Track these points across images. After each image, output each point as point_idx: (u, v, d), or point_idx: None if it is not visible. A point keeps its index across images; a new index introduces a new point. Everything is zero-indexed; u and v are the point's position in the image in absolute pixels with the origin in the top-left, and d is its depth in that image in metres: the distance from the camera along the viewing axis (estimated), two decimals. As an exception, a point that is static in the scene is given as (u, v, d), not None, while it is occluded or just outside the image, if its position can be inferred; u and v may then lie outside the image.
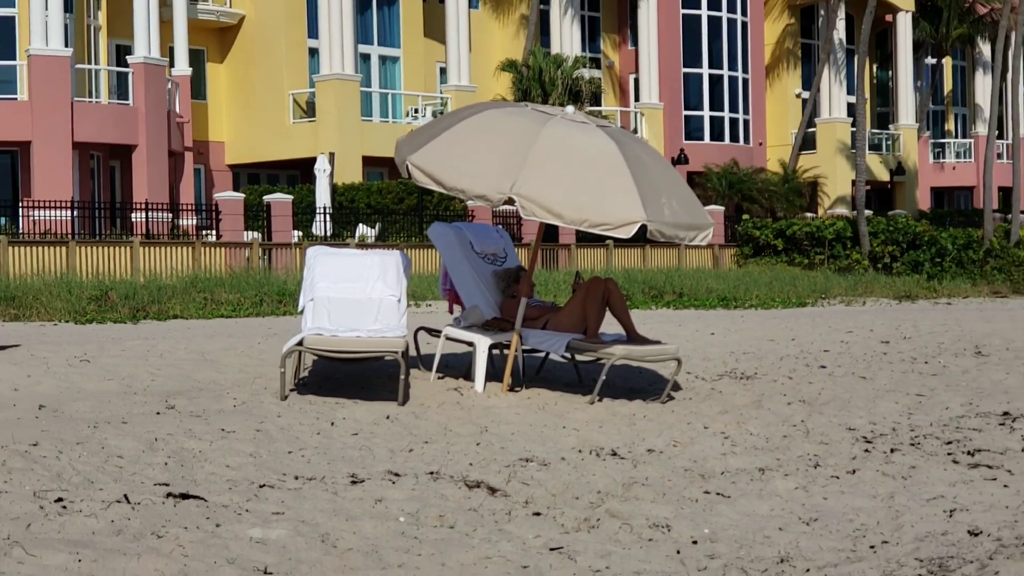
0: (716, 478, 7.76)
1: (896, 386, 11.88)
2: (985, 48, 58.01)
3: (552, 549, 6.02)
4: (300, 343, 9.80)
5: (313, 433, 8.60)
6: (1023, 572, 5.51)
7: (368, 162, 39.61)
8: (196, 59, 39.98)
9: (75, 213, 30.39)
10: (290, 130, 40.34)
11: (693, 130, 47.84)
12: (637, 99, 47.77)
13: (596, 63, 47.55)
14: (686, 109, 47.72)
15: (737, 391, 11.28)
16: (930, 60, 57.78)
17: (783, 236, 38.70)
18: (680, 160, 43.97)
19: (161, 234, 31.44)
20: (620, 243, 34.48)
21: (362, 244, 30.46)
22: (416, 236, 33.21)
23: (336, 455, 7.98)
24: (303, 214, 33.58)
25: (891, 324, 18.71)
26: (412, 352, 11.14)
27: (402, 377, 9.80)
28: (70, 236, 28.62)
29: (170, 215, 33.16)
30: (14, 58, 33.96)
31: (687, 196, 10.48)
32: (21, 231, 29.68)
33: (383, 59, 42.69)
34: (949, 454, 8.53)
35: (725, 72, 48.48)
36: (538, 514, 6.69)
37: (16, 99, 33.59)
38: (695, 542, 6.27)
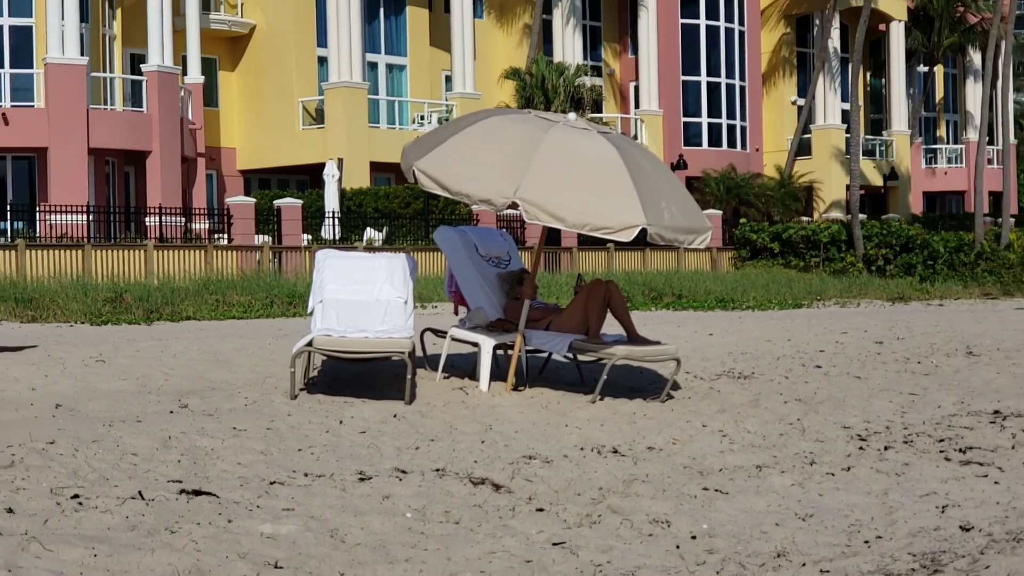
0: (714, 475, 7.75)
1: (890, 385, 11.87)
2: (976, 56, 57.95)
3: (555, 544, 6.02)
4: (310, 344, 9.80)
5: (322, 431, 8.60)
6: (1013, 566, 5.51)
7: (375, 167, 39.61)
8: (208, 67, 40.00)
9: (91, 217, 30.41)
10: (300, 136, 40.35)
11: (692, 136, 47.82)
12: (637, 106, 47.75)
13: (597, 71, 47.53)
14: (685, 116, 47.70)
15: (735, 390, 11.27)
16: (922, 68, 57.74)
17: (779, 239, 38.68)
18: (679, 165, 43.94)
19: (174, 238, 31.44)
20: (621, 246, 34.46)
21: (370, 247, 30.45)
22: (422, 240, 33.20)
23: (344, 453, 7.98)
24: (312, 218, 33.58)
25: (885, 325, 18.69)
26: (418, 352, 11.13)
27: (409, 377, 9.80)
28: (86, 240, 28.62)
29: (183, 219, 33.16)
30: (31, 66, 33.99)
31: (686, 200, 10.48)
32: (38, 235, 29.68)
33: (390, 67, 42.71)
34: (941, 451, 8.53)
35: (723, 80, 48.45)
36: (541, 510, 6.69)
37: (33, 106, 33.62)
38: (694, 537, 6.26)
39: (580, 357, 11.33)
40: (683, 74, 47.61)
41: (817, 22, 52.03)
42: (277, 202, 32.98)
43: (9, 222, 30.65)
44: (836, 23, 50.92)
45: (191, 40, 37.64)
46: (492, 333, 10.70)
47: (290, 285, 23.20)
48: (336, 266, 10.71)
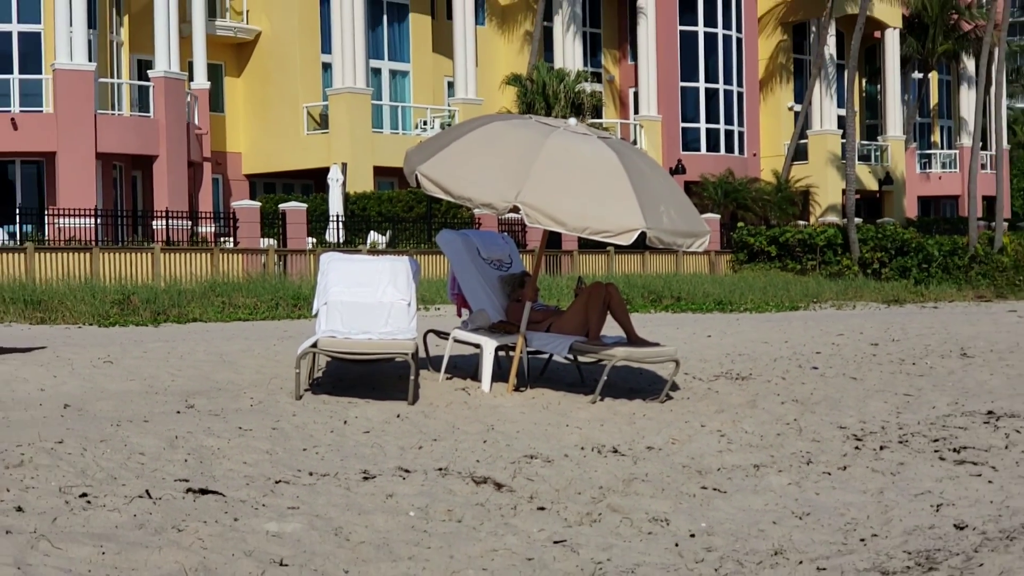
0: (713, 474, 7.75)
1: (885, 386, 11.87)
2: (969, 63, 57.97)
3: (556, 542, 6.02)
4: (314, 345, 9.80)
5: (327, 431, 8.60)
6: (1007, 564, 5.51)
7: (379, 172, 39.61)
8: (214, 73, 40.01)
9: (98, 221, 30.40)
10: (304, 141, 40.35)
11: (690, 141, 47.81)
12: (636, 112, 47.75)
13: (597, 77, 47.53)
14: (683, 121, 47.70)
15: (733, 391, 11.27)
16: (917, 75, 57.74)
17: (776, 243, 38.67)
18: (678, 170, 43.94)
19: (181, 241, 31.44)
20: (621, 249, 34.46)
21: (373, 250, 30.45)
22: (425, 243, 33.19)
23: (349, 452, 7.98)
24: (317, 222, 33.58)
25: (880, 327, 18.69)
26: (421, 354, 11.13)
27: (412, 378, 9.80)
28: (94, 243, 28.63)
29: (189, 223, 33.16)
30: (40, 72, 34.00)
31: (684, 204, 10.48)
32: (47, 238, 29.69)
33: (393, 73, 42.71)
34: (936, 451, 8.53)
35: (721, 86, 48.45)
36: (542, 508, 6.69)
37: (42, 111, 33.63)
38: (693, 535, 6.26)
39: (580, 358, 11.34)
40: (682, 80, 47.61)
41: (813, 29, 52.03)
42: (282, 206, 32.98)
43: (18, 225, 30.64)
44: (832, 30, 50.91)
45: (197, 46, 37.66)
46: (494, 335, 10.70)
47: (295, 287, 23.20)
48: (340, 269, 10.71)
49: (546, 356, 11.80)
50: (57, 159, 32.92)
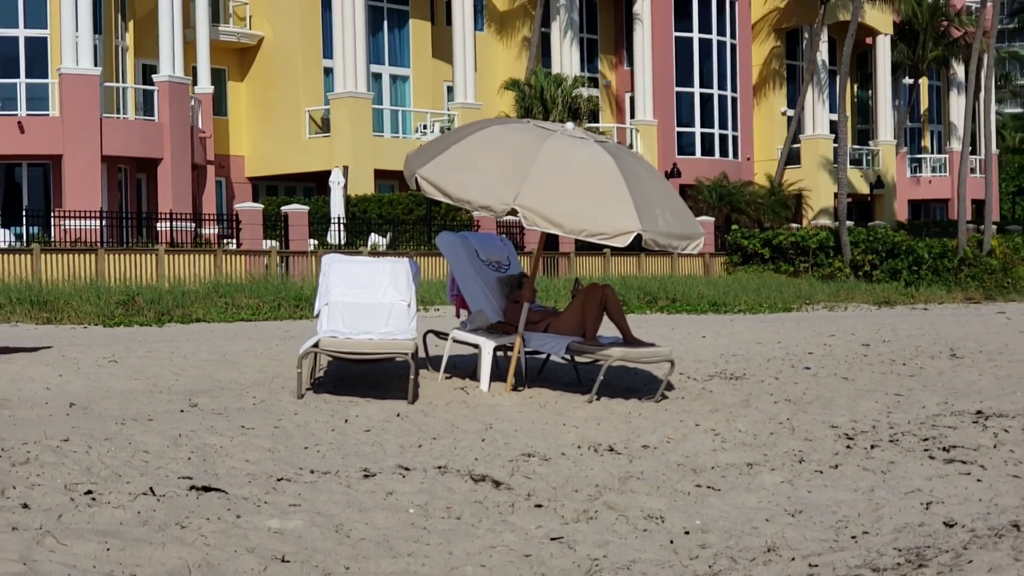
0: (707, 472, 7.75)
1: (876, 386, 11.87)
2: (959, 69, 57.99)
3: (553, 539, 6.02)
4: (316, 345, 9.80)
5: (328, 430, 8.59)
6: (995, 561, 5.51)
7: (380, 175, 39.60)
8: (218, 78, 40.00)
9: (104, 223, 30.38)
10: (306, 145, 40.34)
11: (685, 145, 47.82)
12: (632, 116, 47.75)
13: (594, 82, 47.54)
14: (678, 126, 47.70)
15: (727, 391, 11.27)
16: (907, 80, 57.77)
17: (770, 245, 38.67)
18: (673, 174, 43.94)
19: (185, 242, 31.42)
20: (617, 251, 34.46)
21: (374, 252, 30.44)
22: (425, 245, 33.19)
23: (349, 450, 7.98)
24: (318, 224, 33.57)
25: (871, 328, 18.70)
26: (421, 354, 11.13)
27: (412, 377, 9.80)
28: (99, 244, 28.61)
29: (193, 225, 33.15)
30: (46, 76, 33.98)
31: (679, 207, 10.48)
32: (53, 240, 29.67)
33: (394, 78, 42.70)
34: (926, 450, 8.53)
35: (715, 91, 48.47)
36: (540, 506, 6.69)
37: (48, 115, 33.60)
38: (687, 532, 6.26)
39: (577, 358, 11.34)
40: (677, 85, 47.62)
41: (806, 36, 52.03)
42: (284, 208, 32.97)
43: (25, 227, 30.63)
44: (824, 37, 50.94)
45: (201, 51, 37.64)
46: (492, 335, 10.70)
47: (297, 288, 23.19)
48: (342, 270, 10.70)
49: (543, 356, 11.80)
50: (63, 162, 32.89)
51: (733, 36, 49.07)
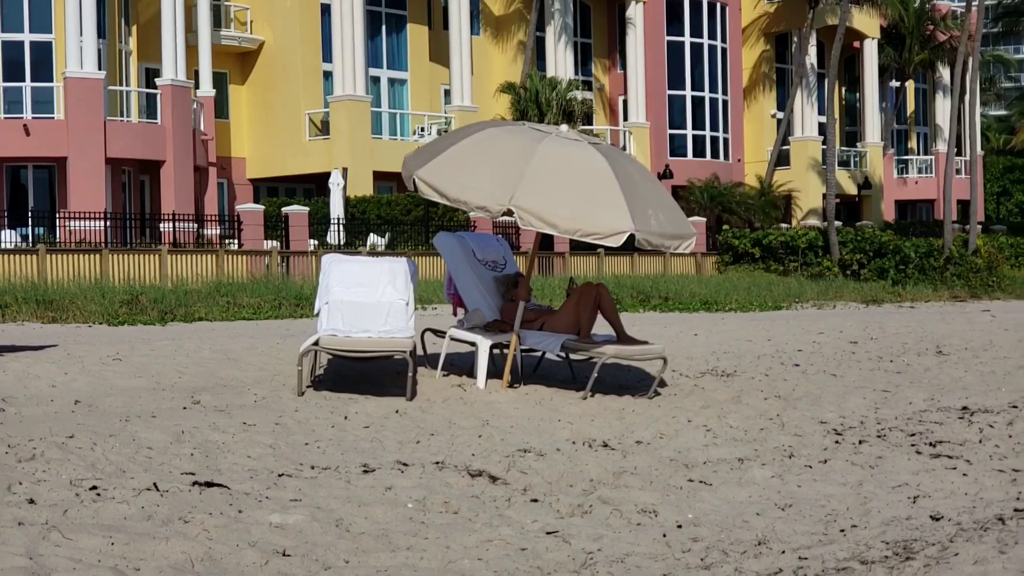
0: (699, 467, 7.75)
1: (864, 383, 11.88)
2: (945, 72, 58.06)
3: (548, 533, 6.02)
4: (316, 343, 9.80)
5: (328, 426, 8.59)
6: (980, 554, 5.51)
7: (378, 176, 39.60)
8: (219, 81, 39.97)
9: (108, 224, 30.36)
10: (306, 147, 40.32)
11: (677, 147, 47.85)
12: (626, 118, 47.77)
13: (588, 85, 47.54)
14: (670, 128, 47.72)
15: (718, 387, 11.27)
16: (894, 83, 57.82)
17: (760, 245, 38.69)
18: (665, 175, 43.96)
19: (187, 243, 31.40)
20: (611, 251, 34.46)
21: (373, 252, 30.43)
22: (423, 245, 33.18)
23: (349, 446, 7.97)
24: (318, 224, 33.56)
25: (859, 326, 18.71)
26: (419, 352, 11.12)
27: (410, 375, 9.79)
28: (103, 245, 28.58)
29: (195, 225, 33.12)
30: (51, 80, 33.95)
31: (672, 208, 10.48)
32: (58, 240, 29.64)
33: (392, 81, 42.69)
34: (913, 445, 8.53)
35: (706, 94, 48.50)
36: (535, 501, 6.68)
37: (53, 118, 33.58)
38: (680, 526, 6.26)
39: (572, 356, 11.33)
40: (669, 88, 47.65)
41: (795, 39, 52.07)
42: (285, 209, 32.96)
43: (31, 228, 30.60)
44: (813, 40, 50.98)
45: (203, 55, 37.61)
46: (489, 333, 10.70)
47: (297, 288, 23.18)
48: (341, 270, 10.70)
49: (539, 354, 11.80)
50: (68, 164, 32.87)
51: (724, 40, 49.10)
